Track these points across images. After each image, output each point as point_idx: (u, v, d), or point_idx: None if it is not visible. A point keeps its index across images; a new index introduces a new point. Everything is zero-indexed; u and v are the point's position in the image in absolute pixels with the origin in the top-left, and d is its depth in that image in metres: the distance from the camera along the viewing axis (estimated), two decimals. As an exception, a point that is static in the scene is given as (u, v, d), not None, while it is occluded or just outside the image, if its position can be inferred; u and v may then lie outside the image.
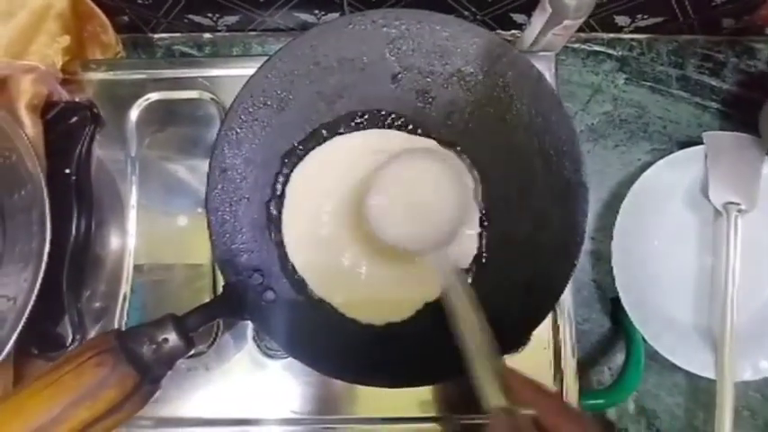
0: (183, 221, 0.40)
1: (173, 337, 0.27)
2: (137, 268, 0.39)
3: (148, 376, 0.26)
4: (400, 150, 0.33)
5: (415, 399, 0.37)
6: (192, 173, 0.40)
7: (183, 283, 0.39)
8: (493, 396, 0.25)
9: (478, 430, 0.37)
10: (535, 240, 0.33)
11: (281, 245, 0.35)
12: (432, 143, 0.35)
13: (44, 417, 0.23)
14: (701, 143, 0.44)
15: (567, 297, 0.38)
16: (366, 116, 0.36)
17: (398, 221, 0.30)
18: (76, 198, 0.38)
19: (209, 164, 0.33)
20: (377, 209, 0.30)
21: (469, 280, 0.34)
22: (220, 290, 0.32)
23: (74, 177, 0.39)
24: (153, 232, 0.39)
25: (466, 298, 0.28)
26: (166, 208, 0.40)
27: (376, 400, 0.37)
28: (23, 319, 0.32)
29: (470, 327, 0.27)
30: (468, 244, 0.34)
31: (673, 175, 0.44)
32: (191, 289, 0.39)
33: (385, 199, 0.31)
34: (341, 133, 0.35)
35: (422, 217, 0.31)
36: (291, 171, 0.35)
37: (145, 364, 0.26)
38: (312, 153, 0.35)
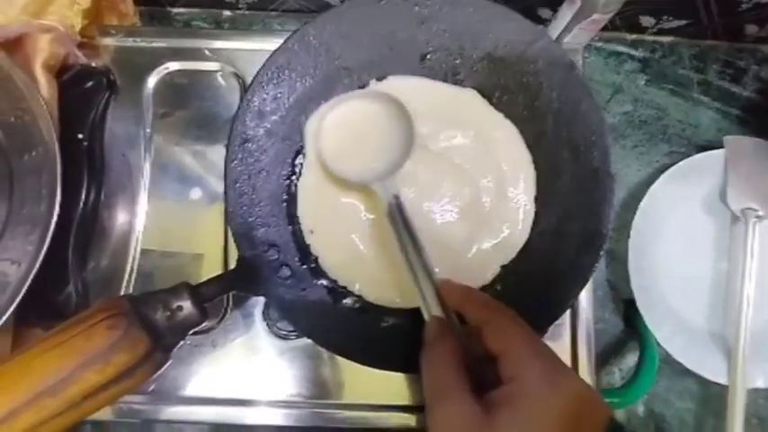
0: (194, 208, 0.38)
1: (187, 306, 0.26)
2: (144, 252, 0.37)
3: (161, 343, 0.25)
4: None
5: (414, 388, 0.36)
6: (206, 159, 0.39)
7: (192, 268, 0.37)
8: (431, 307, 0.27)
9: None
10: (560, 231, 0.33)
11: (297, 221, 0.34)
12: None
13: (52, 378, 0.22)
14: (720, 148, 0.43)
15: (584, 294, 0.37)
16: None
17: (344, 156, 0.33)
18: (87, 164, 0.37)
19: (230, 134, 0.32)
20: (326, 149, 0.33)
21: (499, 270, 0.34)
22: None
23: (86, 143, 0.37)
24: (163, 217, 0.38)
25: (405, 223, 0.29)
26: (178, 194, 0.38)
27: (385, 386, 0.36)
28: (27, 284, 0.31)
29: (410, 249, 0.28)
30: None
31: (691, 179, 0.43)
32: (198, 275, 0.37)
33: (331, 137, 0.33)
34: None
35: (365, 149, 0.33)
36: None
37: (158, 331, 0.25)
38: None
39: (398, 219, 0.29)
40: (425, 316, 0.27)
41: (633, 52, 0.48)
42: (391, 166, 0.31)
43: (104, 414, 0.36)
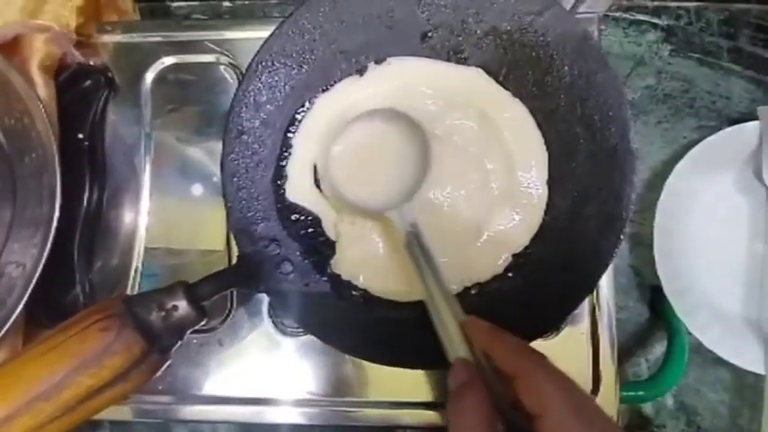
0: (198, 204, 0.38)
1: (183, 305, 0.25)
2: (149, 251, 0.37)
3: (157, 345, 0.24)
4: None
5: (432, 384, 0.34)
6: (208, 154, 0.38)
7: (198, 266, 0.37)
8: (456, 348, 0.25)
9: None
10: (576, 214, 0.30)
11: (298, 215, 0.33)
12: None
13: (46, 383, 0.22)
14: (754, 120, 0.40)
15: (605, 281, 0.35)
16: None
17: (356, 183, 0.31)
18: (89, 165, 0.37)
19: (225, 126, 0.31)
20: (338, 173, 0.31)
21: (511, 258, 0.32)
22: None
23: (86, 143, 0.37)
24: (166, 214, 0.38)
25: (425, 254, 0.27)
26: (180, 191, 0.38)
27: (395, 383, 0.35)
28: (32, 286, 0.31)
29: (431, 282, 0.27)
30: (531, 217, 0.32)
31: (722, 154, 0.41)
32: (205, 272, 0.37)
33: (341, 164, 0.31)
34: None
35: (377, 175, 0.31)
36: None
37: (153, 332, 0.24)
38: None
39: (417, 249, 0.27)
40: (449, 357, 0.25)
41: (656, 20, 0.45)
42: (406, 191, 0.30)
43: (122, 414, 0.36)
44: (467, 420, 0.21)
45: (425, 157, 0.30)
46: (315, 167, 0.33)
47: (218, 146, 0.38)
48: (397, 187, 0.30)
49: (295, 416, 0.35)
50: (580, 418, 0.20)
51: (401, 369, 0.30)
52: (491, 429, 0.21)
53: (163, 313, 0.24)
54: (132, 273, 0.37)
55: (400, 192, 0.30)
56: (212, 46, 0.39)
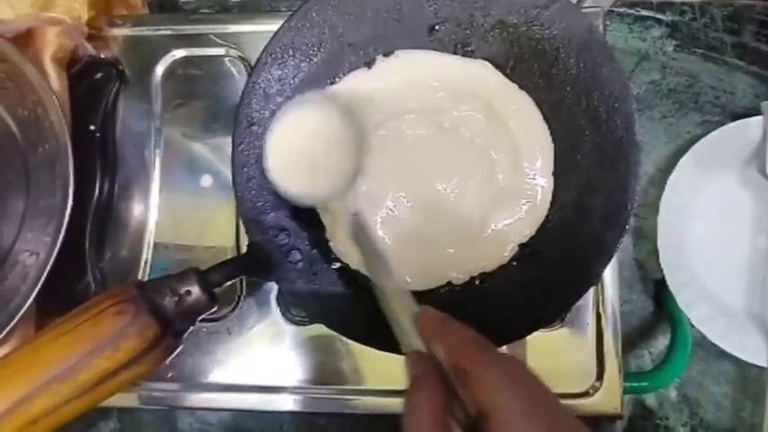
0: (206, 201, 0.38)
1: (195, 291, 0.26)
2: (158, 246, 0.37)
3: (170, 329, 0.25)
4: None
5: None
6: (217, 146, 0.39)
7: (207, 262, 0.37)
8: (410, 339, 0.24)
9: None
10: (581, 205, 0.31)
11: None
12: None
13: (62, 365, 0.22)
14: (758, 115, 0.40)
15: (609, 274, 0.35)
16: (400, 70, 0.34)
17: (293, 175, 0.30)
18: (100, 156, 0.38)
19: (235, 117, 0.32)
20: (274, 169, 0.30)
21: (517, 248, 0.32)
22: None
23: (98, 134, 0.38)
24: (175, 210, 0.38)
25: (372, 242, 0.27)
26: (190, 183, 0.38)
27: (402, 372, 0.35)
28: (45, 274, 0.32)
29: (380, 270, 0.26)
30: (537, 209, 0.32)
31: (726, 149, 0.41)
32: (213, 262, 0.37)
33: (278, 154, 0.30)
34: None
35: (315, 165, 0.30)
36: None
37: (166, 316, 0.25)
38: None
39: (362, 237, 0.27)
40: (402, 347, 0.24)
41: (660, 16, 0.45)
42: (347, 180, 0.30)
43: (129, 401, 0.36)
44: (419, 417, 0.20)
45: (363, 145, 0.30)
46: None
47: (225, 141, 0.38)
48: (338, 177, 0.30)
49: (301, 404, 0.35)
50: (534, 420, 0.19)
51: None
52: (441, 426, 0.20)
53: (176, 298, 0.25)
54: (142, 264, 0.38)
55: (341, 182, 0.30)
56: (219, 40, 0.39)
